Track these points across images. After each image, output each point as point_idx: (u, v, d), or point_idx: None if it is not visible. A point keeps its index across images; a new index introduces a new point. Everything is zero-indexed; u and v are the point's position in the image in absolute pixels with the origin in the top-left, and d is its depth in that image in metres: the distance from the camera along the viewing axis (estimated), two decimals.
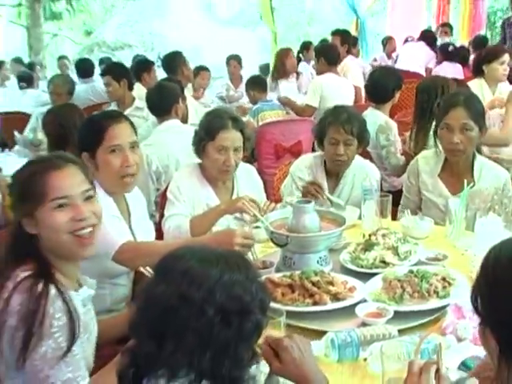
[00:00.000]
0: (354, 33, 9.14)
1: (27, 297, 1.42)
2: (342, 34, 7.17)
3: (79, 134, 2.33)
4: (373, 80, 4.07)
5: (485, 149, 3.08)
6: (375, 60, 8.53)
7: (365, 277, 2.02)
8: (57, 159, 1.60)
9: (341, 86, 5.24)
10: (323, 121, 2.82)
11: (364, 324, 1.75)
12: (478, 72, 4.38)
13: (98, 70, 6.63)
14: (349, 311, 1.81)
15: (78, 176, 1.59)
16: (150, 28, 16.54)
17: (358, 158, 2.85)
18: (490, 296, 1.00)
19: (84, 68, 6.71)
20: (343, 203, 2.59)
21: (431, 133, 3.36)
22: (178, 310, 1.14)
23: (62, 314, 1.44)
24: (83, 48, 16.63)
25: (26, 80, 6.83)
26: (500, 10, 14.37)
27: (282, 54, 6.41)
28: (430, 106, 3.44)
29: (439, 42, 7.96)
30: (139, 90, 4.76)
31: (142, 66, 5.44)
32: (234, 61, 7.06)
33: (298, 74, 6.70)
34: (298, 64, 7.05)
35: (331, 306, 1.83)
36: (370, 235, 2.24)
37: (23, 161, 4.15)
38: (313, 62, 6.67)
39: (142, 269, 2.01)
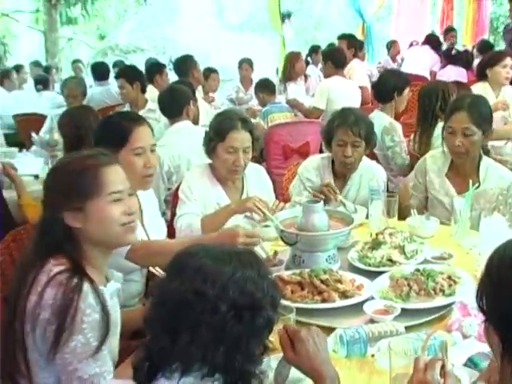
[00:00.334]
0: (360, 37, 9.13)
1: (60, 292, 1.42)
2: (348, 38, 7.18)
3: (98, 134, 2.33)
4: (378, 80, 4.30)
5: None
6: (380, 64, 8.50)
7: (372, 275, 2.01)
8: (105, 156, 1.63)
9: (347, 89, 5.23)
10: (331, 123, 2.81)
11: (372, 321, 1.75)
12: (481, 76, 4.37)
13: (112, 73, 6.66)
14: (357, 308, 1.80)
15: (123, 173, 1.64)
16: (162, 32, 16.57)
17: (364, 159, 2.84)
18: (494, 295, 1.00)
19: (100, 71, 6.74)
20: (354, 207, 2.57)
21: (436, 134, 3.37)
22: (192, 306, 1.14)
23: (93, 310, 1.44)
24: (97, 52, 16.68)
25: (43, 83, 6.88)
26: (503, 15, 14.32)
27: (292, 57, 6.40)
28: (431, 109, 3.50)
29: (446, 46, 7.94)
30: (152, 93, 4.77)
31: (155, 68, 5.46)
32: (247, 64, 7.06)
33: (306, 76, 6.69)
34: (306, 67, 7.05)
35: (340, 303, 1.83)
36: (377, 234, 2.23)
37: (40, 160, 4.17)
38: (320, 65, 6.66)
39: (152, 269, 2.02)
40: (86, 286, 1.45)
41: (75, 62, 10.10)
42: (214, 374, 1.15)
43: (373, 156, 3.29)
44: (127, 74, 4.78)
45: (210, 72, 6.37)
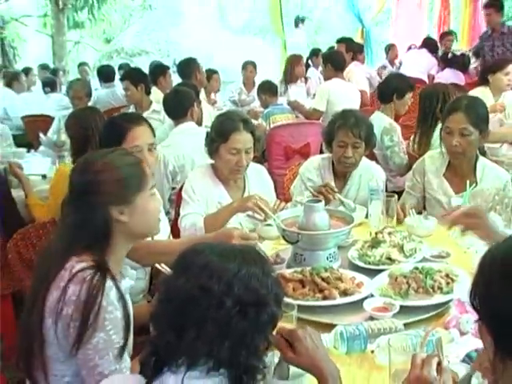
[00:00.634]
0: (359, 41, 9.12)
1: (83, 288, 1.41)
2: (347, 42, 7.21)
3: (101, 135, 2.33)
4: (382, 81, 4.56)
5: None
6: (383, 67, 8.47)
7: (372, 273, 2.01)
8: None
9: (347, 91, 5.22)
10: (332, 124, 2.81)
11: (371, 318, 1.75)
12: (482, 80, 4.36)
13: (117, 76, 6.67)
14: (357, 306, 1.80)
15: None
16: (166, 36, 16.61)
17: (364, 160, 2.84)
18: (486, 294, 0.99)
19: (106, 73, 6.76)
20: (353, 205, 2.57)
21: (435, 135, 3.37)
22: (198, 301, 1.14)
23: (115, 308, 1.43)
24: (103, 55, 16.74)
25: (50, 85, 6.90)
26: None
27: (293, 60, 6.40)
28: (432, 111, 3.50)
29: (444, 50, 7.93)
30: (156, 94, 4.77)
31: (158, 70, 5.45)
32: (251, 66, 7.04)
33: (306, 78, 6.69)
34: (306, 70, 7.04)
35: (340, 300, 1.83)
36: (376, 233, 2.23)
37: (47, 161, 4.17)
38: (321, 68, 6.66)
39: (158, 265, 2.02)
40: (109, 283, 1.44)
41: (82, 64, 10.10)
42: (219, 369, 1.15)
43: (372, 156, 3.29)
44: (132, 76, 4.78)
45: (211, 73, 6.35)
